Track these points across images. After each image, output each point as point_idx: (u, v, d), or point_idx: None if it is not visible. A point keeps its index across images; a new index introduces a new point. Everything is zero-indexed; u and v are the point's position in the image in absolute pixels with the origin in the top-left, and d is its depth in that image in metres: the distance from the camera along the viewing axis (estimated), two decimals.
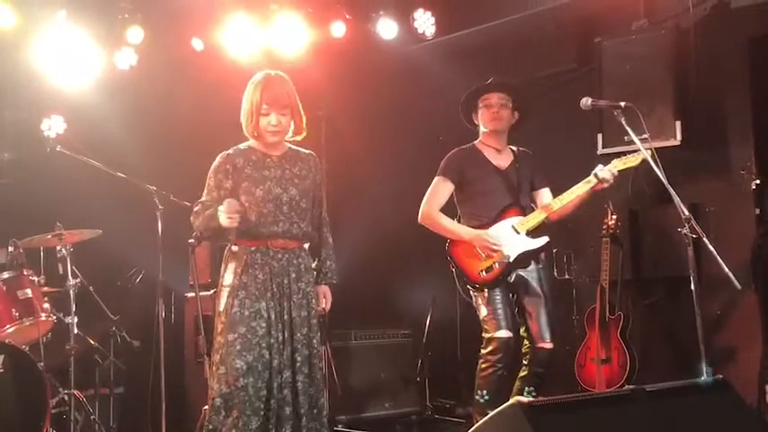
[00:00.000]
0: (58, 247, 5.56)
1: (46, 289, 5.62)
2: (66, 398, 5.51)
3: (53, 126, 6.77)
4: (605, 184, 4.75)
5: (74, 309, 5.53)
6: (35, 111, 6.68)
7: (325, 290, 4.43)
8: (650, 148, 4.40)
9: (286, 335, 4.09)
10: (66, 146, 5.76)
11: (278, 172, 4.23)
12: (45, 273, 5.75)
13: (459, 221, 5.02)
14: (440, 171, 5.05)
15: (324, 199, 4.50)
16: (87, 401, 5.68)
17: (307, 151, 4.42)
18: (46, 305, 5.51)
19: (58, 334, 5.71)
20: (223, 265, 4.21)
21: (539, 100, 5.04)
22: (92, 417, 5.59)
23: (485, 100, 5.01)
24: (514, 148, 5.10)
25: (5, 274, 5.42)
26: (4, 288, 5.37)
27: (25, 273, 5.50)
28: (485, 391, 4.74)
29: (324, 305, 4.40)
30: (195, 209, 4.20)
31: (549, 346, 4.80)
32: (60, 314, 5.62)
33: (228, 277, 4.14)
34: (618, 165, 4.74)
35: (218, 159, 4.23)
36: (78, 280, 5.62)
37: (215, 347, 4.11)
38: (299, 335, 4.12)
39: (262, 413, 4.00)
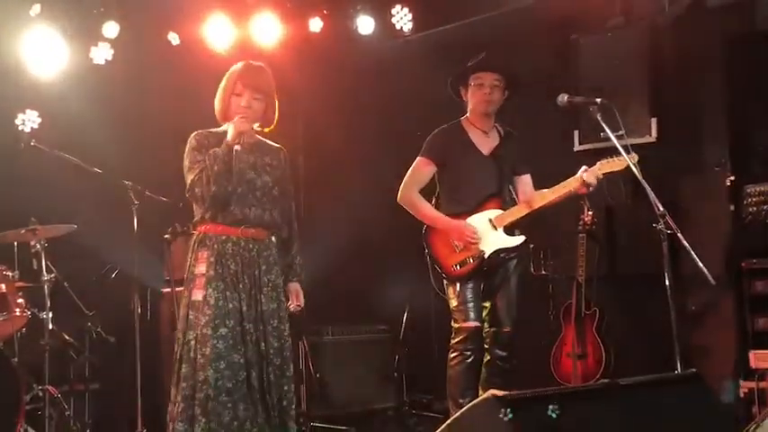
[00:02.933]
0: (33, 242, 5.50)
1: (20, 284, 5.57)
2: (40, 394, 5.46)
3: (27, 121, 6.70)
4: (590, 189, 4.75)
5: (48, 304, 5.48)
6: (9, 105, 6.61)
7: (296, 287, 4.39)
8: (626, 145, 4.42)
9: (259, 327, 4.06)
10: (40, 141, 5.72)
11: (251, 157, 4.19)
12: (19, 268, 5.69)
13: (437, 201, 4.97)
14: (423, 151, 4.97)
15: (292, 194, 4.46)
16: (62, 397, 5.64)
17: (276, 145, 4.39)
18: (20, 300, 5.47)
19: (32, 329, 5.64)
20: (192, 254, 4.15)
21: (516, 96, 5.02)
22: (66, 413, 5.56)
23: (477, 79, 4.91)
24: (501, 129, 5.02)
25: None
26: None
27: None
28: (464, 390, 4.74)
29: (298, 302, 4.36)
30: (193, 178, 4.06)
31: (508, 329, 4.83)
32: (35, 309, 5.56)
33: (202, 267, 4.07)
34: (603, 168, 4.70)
35: (192, 138, 4.17)
36: (53, 275, 5.57)
37: (186, 338, 4.03)
38: (269, 327, 4.08)
39: (236, 405, 3.95)
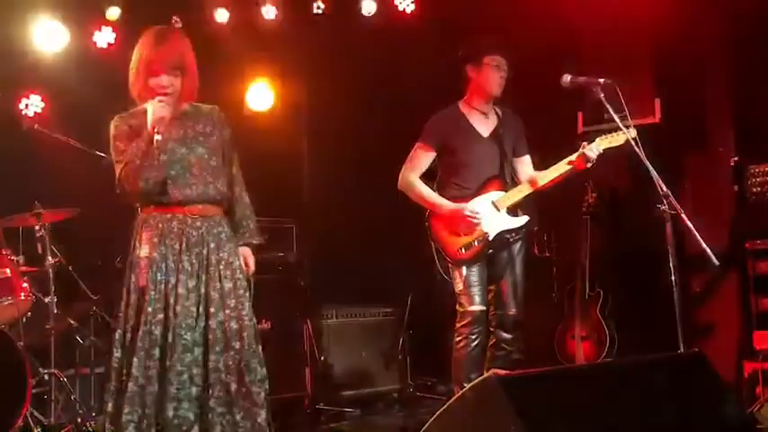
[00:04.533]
0: (37, 227, 5.52)
1: (25, 268, 5.58)
2: (46, 377, 5.49)
3: (31, 105, 6.71)
4: (589, 164, 4.73)
5: (53, 288, 5.50)
6: (12, 89, 6.61)
7: (245, 251, 4.08)
8: (629, 126, 4.41)
9: (200, 310, 3.80)
10: (44, 125, 5.73)
11: (180, 131, 3.92)
12: (24, 253, 5.71)
13: (438, 186, 4.95)
14: (421, 137, 4.95)
15: (235, 155, 4.12)
16: (68, 381, 5.66)
17: (209, 106, 4.09)
18: (25, 285, 5.48)
19: (37, 314, 5.67)
20: (136, 234, 3.91)
21: (519, 77, 5.01)
22: (72, 396, 5.57)
23: (494, 60, 4.85)
24: (499, 111, 5.00)
25: None
26: None
27: (4, 252, 5.46)
28: (469, 374, 4.75)
29: (247, 267, 4.06)
30: (120, 174, 3.82)
31: (513, 312, 4.84)
32: (40, 294, 5.59)
33: (145, 249, 3.82)
34: (602, 144, 4.69)
35: (111, 126, 3.92)
36: (57, 259, 5.59)
37: (128, 325, 3.81)
38: (227, 310, 3.83)
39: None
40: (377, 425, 6.01)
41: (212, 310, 3.82)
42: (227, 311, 3.85)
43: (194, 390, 3.75)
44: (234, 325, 3.85)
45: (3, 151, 6.22)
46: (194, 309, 3.80)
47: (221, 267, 3.89)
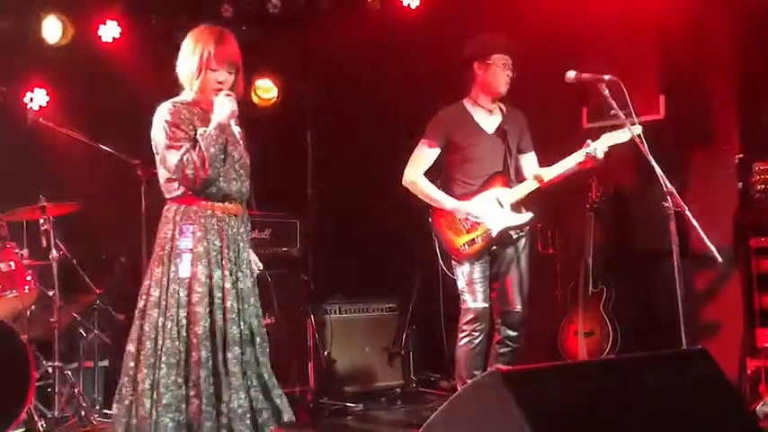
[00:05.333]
0: (41, 220, 5.53)
1: (29, 261, 5.60)
2: (50, 370, 5.51)
3: (35, 98, 6.72)
4: (595, 163, 4.74)
5: (57, 282, 5.51)
6: (17, 83, 6.62)
7: (252, 254, 4.17)
8: (634, 123, 4.40)
9: (241, 306, 3.90)
10: (48, 118, 5.74)
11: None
12: (28, 245, 5.73)
13: (442, 182, 4.95)
14: (425, 134, 4.96)
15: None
16: (72, 374, 5.68)
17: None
18: (29, 278, 5.50)
19: (41, 307, 5.69)
20: (172, 227, 3.89)
21: (524, 73, 5.00)
22: (76, 389, 5.59)
23: (502, 59, 4.87)
24: (503, 107, 5.00)
25: None
26: None
27: (8, 245, 5.48)
28: (472, 370, 4.75)
29: (258, 266, 4.17)
30: (182, 159, 3.80)
31: (518, 309, 4.85)
32: (44, 287, 5.60)
33: (188, 242, 3.85)
34: (607, 141, 4.70)
35: (166, 112, 3.90)
36: (61, 252, 5.60)
37: (179, 316, 3.80)
38: (248, 306, 3.94)
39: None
40: (380, 420, 6.01)
41: (245, 306, 3.94)
42: (251, 308, 3.97)
43: (247, 382, 3.85)
44: (255, 321, 3.97)
45: (7, 145, 6.23)
46: (236, 304, 3.88)
47: (245, 265, 4.00)
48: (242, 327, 3.88)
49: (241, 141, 4.08)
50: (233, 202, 3.98)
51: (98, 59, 6.65)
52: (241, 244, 3.99)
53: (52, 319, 5.49)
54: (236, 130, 3.98)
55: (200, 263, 3.84)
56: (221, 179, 3.91)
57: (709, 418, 2.76)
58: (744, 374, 5.40)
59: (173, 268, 3.85)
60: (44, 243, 5.54)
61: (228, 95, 3.88)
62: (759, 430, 4.44)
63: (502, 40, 4.95)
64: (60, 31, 6.46)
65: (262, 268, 4.20)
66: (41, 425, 5.12)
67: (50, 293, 5.54)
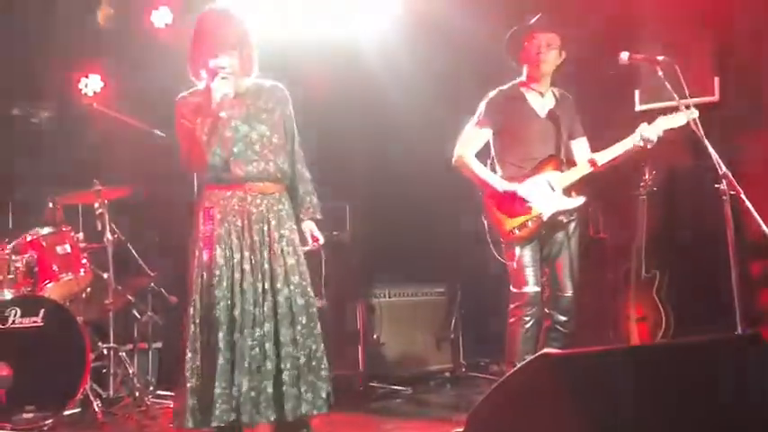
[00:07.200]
0: (96, 204, 5.63)
1: (84, 245, 5.69)
2: (105, 352, 5.62)
3: (90, 84, 6.82)
4: (649, 145, 4.68)
5: (111, 265, 5.60)
6: (73, 69, 6.72)
7: (309, 225, 4.17)
8: (689, 106, 4.34)
9: (266, 285, 3.88)
10: (102, 104, 5.82)
11: (242, 109, 3.98)
12: (83, 229, 5.83)
13: (492, 164, 4.92)
14: (478, 115, 4.92)
15: (296, 132, 4.17)
16: (126, 356, 5.78)
17: (271, 82, 4.12)
18: (84, 261, 5.60)
19: (96, 289, 5.80)
20: (201, 211, 3.98)
21: (577, 55, 4.95)
22: (130, 371, 5.69)
23: (532, 38, 4.83)
24: (556, 92, 4.96)
25: (45, 231, 5.50)
26: (44, 244, 5.45)
27: (64, 229, 5.58)
28: (522, 355, 4.73)
29: (313, 243, 4.16)
30: (185, 151, 3.94)
31: (569, 293, 4.82)
32: (99, 270, 5.70)
33: (209, 225, 3.92)
34: (663, 125, 4.64)
35: (175, 107, 4.01)
36: (116, 236, 5.69)
37: (203, 302, 3.90)
38: (291, 286, 3.91)
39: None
40: (429, 403, 6.02)
41: (278, 285, 3.90)
42: (292, 287, 3.93)
43: (269, 364, 3.83)
44: (300, 300, 3.94)
45: (63, 131, 6.35)
46: (260, 284, 3.88)
47: (284, 243, 3.97)
48: (265, 308, 3.86)
49: (268, 117, 4.02)
50: (257, 182, 3.96)
51: (151, 45, 6.72)
52: (273, 222, 3.95)
53: (107, 302, 5.60)
54: (222, 115, 3.87)
55: (218, 246, 3.88)
56: (234, 164, 3.91)
57: (763, 402, 2.71)
58: None
59: (196, 253, 3.94)
60: (99, 227, 5.64)
61: (223, 78, 3.85)
62: None
63: (545, 18, 4.90)
64: (114, 17, 6.55)
65: (322, 242, 4.20)
66: (97, 404, 5.22)
67: (105, 276, 5.63)
